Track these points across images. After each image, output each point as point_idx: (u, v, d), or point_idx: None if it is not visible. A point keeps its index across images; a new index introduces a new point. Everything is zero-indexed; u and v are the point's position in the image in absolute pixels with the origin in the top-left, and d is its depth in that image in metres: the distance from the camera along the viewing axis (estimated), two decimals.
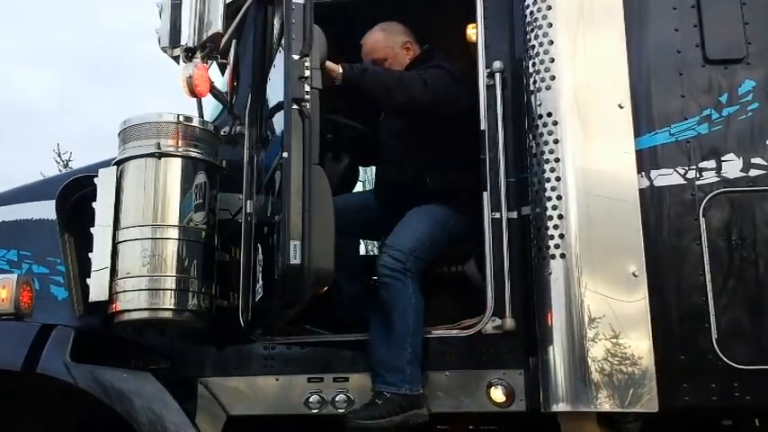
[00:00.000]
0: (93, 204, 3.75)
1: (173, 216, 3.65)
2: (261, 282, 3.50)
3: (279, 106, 3.35)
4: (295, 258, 2.98)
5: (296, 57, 3.16)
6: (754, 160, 3.47)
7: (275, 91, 3.54)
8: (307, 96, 3.15)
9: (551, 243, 3.36)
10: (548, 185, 3.41)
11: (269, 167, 3.56)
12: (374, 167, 4.90)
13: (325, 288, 3.14)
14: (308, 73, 3.17)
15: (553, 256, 3.35)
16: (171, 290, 3.56)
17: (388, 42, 4.24)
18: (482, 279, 3.68)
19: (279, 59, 3.46)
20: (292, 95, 3.14)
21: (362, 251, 5.50)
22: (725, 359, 3.31)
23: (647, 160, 3.51)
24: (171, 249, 3.60)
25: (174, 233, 3.63)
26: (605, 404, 3.22)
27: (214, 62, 3.95)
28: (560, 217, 3.36)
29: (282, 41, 3.31)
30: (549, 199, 3.40)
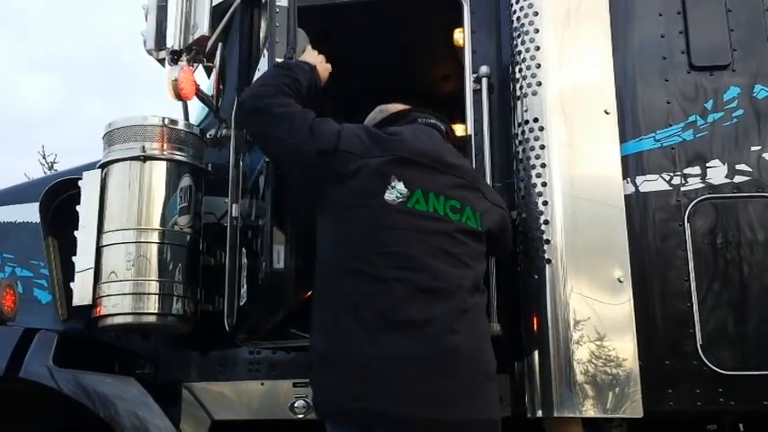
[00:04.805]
0: (78, 207, 3.73)
1: (157, 219, 3.63)
2: (245, 286, 3.48)
3: None
4: (279, 263, 2.95)
5: (279, 60, 3.14)
6: (738, 167, 3.48)
7: None
8: None
9: (537, 248, 3.36)
10: (534, 191, 3.40)
11: (254, 170, 3.55)
12: None
13: (310, 293, 3.11)
14: None
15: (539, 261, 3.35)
16: (155, 294, 3.54)
17: None
18: None
19: (263, 62, 3.44)
20: None
21: None
22: (709, 365, 3.31)
23: (632, 166, 3.51)
24: (155, 253, 3.59)
25: (159, 237, 3.61)
26: (590, 410, 3.21)
27: (200, 65, 3.94)
28: (546, 222, 3.36)
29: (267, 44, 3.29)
30: (536, 204, 3.39)
